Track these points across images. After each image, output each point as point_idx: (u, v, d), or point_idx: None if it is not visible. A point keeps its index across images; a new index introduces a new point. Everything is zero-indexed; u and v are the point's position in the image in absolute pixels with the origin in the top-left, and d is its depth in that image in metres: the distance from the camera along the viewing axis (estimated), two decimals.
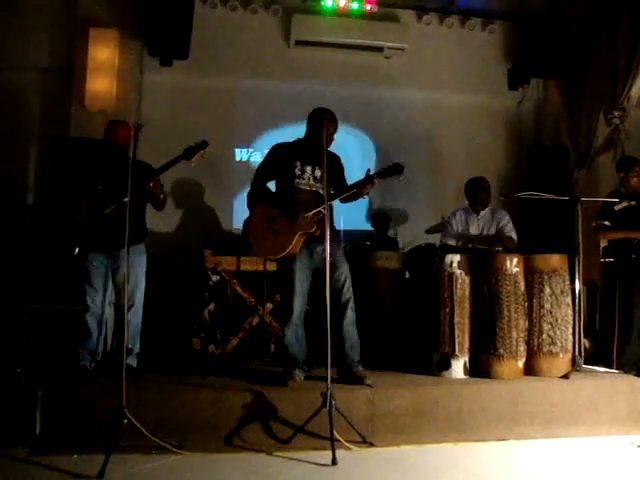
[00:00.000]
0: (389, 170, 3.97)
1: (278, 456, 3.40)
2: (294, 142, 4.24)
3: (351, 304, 4.05)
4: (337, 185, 4.11)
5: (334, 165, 4.19)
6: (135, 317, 4.19)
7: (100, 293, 4.17)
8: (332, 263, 3.96)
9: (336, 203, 4.13)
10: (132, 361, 4.13)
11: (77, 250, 4.09)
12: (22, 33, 6.41)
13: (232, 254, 4.96)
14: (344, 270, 4.06)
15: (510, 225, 5.05)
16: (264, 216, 4.05)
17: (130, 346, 4.06)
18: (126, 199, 3.59)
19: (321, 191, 4.00)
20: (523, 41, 7.12)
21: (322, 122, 4.01)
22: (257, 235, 4.08)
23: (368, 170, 4.00)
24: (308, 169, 4.09)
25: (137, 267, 4.18)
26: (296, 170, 4.06)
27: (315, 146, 4.06)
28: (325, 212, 3.79)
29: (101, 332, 4.22)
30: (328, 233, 3.61)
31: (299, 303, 4.01)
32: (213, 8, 6.79)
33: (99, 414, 3.39)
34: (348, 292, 4.05)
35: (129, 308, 4.02)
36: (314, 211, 3.90)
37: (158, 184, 4.14)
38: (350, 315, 4.04)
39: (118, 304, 4.26)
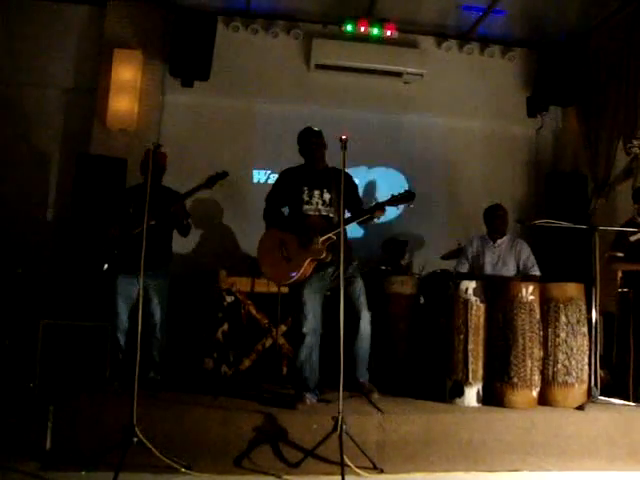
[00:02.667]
0: (400, 198, 3.94)
1: None
2: (300, 166, 4.25)
3: (367, 317, 4.04)
4: (351, 205, 4.09)
5: (345, 185, 4.16)
6: (161, 334, 4.49)
7: (127, 312, 4.36)
8: (344, 282, 3.98)
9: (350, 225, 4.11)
10: (156, 375, 4.42)
11: (106, 266, 4.33)
12: (49, 53, 6.57)
13: (247, 275, 4.96)
14: (357, 285, 4.07)
15: (532, 259, 5.00)
16: (276, 241, 4.06)
17: (157, 360, 4.44)
18: (152, 222, 3.93)
19: (331, 215, 4.03)
20: (542, 69, 7.13)
21: (311, 144, 4.09)
22: (268, 260, 4.10)
23: (375, 199, 4.00)
24: (316, 193, 4.09)
25: (162, 289, 4.45)
26: (304, 196, 4.08)
27: (318, 169, 4.09)
28: (335, 238, 3.83)
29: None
30: (342, 257, 3.59)
31: (311, 326, 4.00)
32: (235, 31, 6.89)
33: (110, 431, 3.40)
34: (363, 306, 4.04)
35: (155, 326, 4.42)
36: (325, 237, 3.89)
37: (181, 209, 4.40)
38: (365, 327, 4.04)
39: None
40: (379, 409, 3.81)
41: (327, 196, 4.09)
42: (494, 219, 5.11)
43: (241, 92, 6.96)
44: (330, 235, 3.87)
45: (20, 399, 4.49)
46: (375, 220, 4.05)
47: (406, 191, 3.95)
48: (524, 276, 4.92)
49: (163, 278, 4.48)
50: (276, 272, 4.08)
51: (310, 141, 4.15)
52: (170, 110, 6.84)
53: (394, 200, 3.96)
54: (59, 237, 6.00)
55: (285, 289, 4.77)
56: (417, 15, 6.94)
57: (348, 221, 3.99)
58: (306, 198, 4.06)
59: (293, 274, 3.94)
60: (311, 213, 4.05)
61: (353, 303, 4.02)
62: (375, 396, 3.93)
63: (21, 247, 6.09)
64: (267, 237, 4.17)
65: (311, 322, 3.99)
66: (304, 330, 3.99)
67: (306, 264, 3.92)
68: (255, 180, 7.08)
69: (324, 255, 3.88)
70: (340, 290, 3.50)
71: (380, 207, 3.95)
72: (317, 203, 4.09)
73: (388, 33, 6.88)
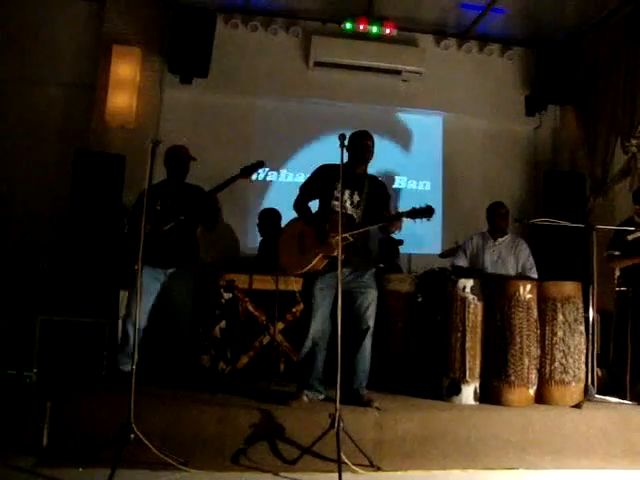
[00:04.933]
0: (420, 211, 3.87)
1: (284, 477, 3.37)
2: (339, 164, 4.25)
3: (370, 331, 4.02)
4: (378, 212, 4.06)
5: (377, 192, 4.16)
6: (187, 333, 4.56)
7: (146, 305, 4.31)
8: (357, 288, 4.01)
9: (374, 230, 4.09)
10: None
11: (136, 267, 4.28)
12: (47, 49, 6.55)
13: (245, 272, 4.96)
14: (369, 296, 4.04)
15: (530, 260, 4.99)
16: (296, 231, 4.11)
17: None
18: (182, 217, 4.19)
19: (355, 216, 4.04)
20: (541, 68, 7.14)
21: (363, 145, 4.08)
22: (284, 248, 4.16)
23: (396, 208, 3.97)
24: (347, 192, 4.07)
25: (189, 287, 4.48)
26: (335, 192, 4.06)
27: (356, 172, 4.11)
28: (352, 239, 3.83)
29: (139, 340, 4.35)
30: (340, 259, 3.58)
31: (318, 323, 3.99)
32: (234, 28, 6.89)
33: (107, 428, 3.38)
34: (370, 319, 4.02)
35: (181, 325, 4.48)
36: (341, 235, 3.88)
37: (216, 202, 4.52)
38: (368, 342, 4.02)
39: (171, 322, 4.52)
40: (378, 408, 3.81)
41: (356, 198, 4.09)
42: (494, 217, 5.11)
43: (240, 89, 6.96)
44: (347, 235, 3.86)
45: (17, 395, 4.48)
46: (394, 230, 4.03)
47: (427, 206, 3.88)
48: (521, 277, 4.92)
49: (191, 277, 4.47)
50: (289, 261, 4.11)
51: (363, 143, 4.13)
52: (169, 106, 6.84)
53: (413, 213, 3.88)
54: (57, 233, 5.99)
55: (283, 286, 4.80)
56: (416, 13, 6.96)
57: (364, 225, 3.98)
58: (337, 194, 4.05)
59: (302, 266, 3.96)
60: (337, 210, 4.03)
61: (361, 315, 4.00)
62: (375, 406, 3.88)
63: (19, 243, 6.09)
64: (289, 227, 4.24)
65: (318, 318, 3.99)
66: (310, 326, 3.99)
67: (317, 258, 3.93)
68: (253, 177, 7.04)
69: (336, 253, 3.86)
70: (338, 288, 3.49)
71: (397, 217, 3.92)
72: (345, 201, 4.06)
73: (387, 31, 6.88)
